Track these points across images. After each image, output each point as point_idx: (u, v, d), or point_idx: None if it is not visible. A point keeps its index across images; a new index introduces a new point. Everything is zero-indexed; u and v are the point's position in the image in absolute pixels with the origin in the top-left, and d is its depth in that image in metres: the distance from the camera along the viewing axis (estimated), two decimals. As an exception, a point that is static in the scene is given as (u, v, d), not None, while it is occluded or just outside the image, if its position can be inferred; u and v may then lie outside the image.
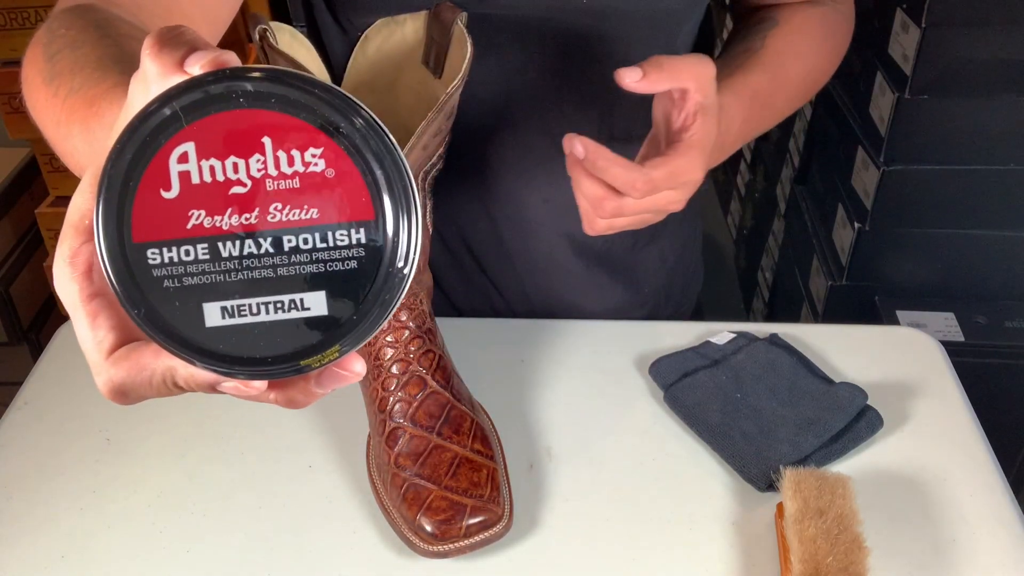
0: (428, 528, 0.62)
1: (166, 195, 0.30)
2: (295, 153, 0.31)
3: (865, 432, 0.72)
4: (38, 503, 0.70)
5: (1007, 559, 0.64)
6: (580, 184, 0.60)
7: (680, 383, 0.76)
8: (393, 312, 0.33)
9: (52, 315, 1.93)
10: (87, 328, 0.33)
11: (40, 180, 1.72)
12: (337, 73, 0.76)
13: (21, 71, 0.54)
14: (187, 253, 0.31)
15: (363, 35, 0.73)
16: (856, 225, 1.31)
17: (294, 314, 0.31)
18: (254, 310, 0.31)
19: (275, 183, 0.31)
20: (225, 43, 0.64)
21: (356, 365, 0.33)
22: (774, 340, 0.81)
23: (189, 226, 0.31)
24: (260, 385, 0.33)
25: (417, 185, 0.32)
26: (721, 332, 0.83)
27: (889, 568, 0.63)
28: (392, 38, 0.73)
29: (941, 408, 0.76)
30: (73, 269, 0.33)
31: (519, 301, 0.87)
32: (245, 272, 0.31)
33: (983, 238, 1.29)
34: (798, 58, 0.75)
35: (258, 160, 0.31)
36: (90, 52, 0.48)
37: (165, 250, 0.31)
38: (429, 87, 0.71)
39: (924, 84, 1.18)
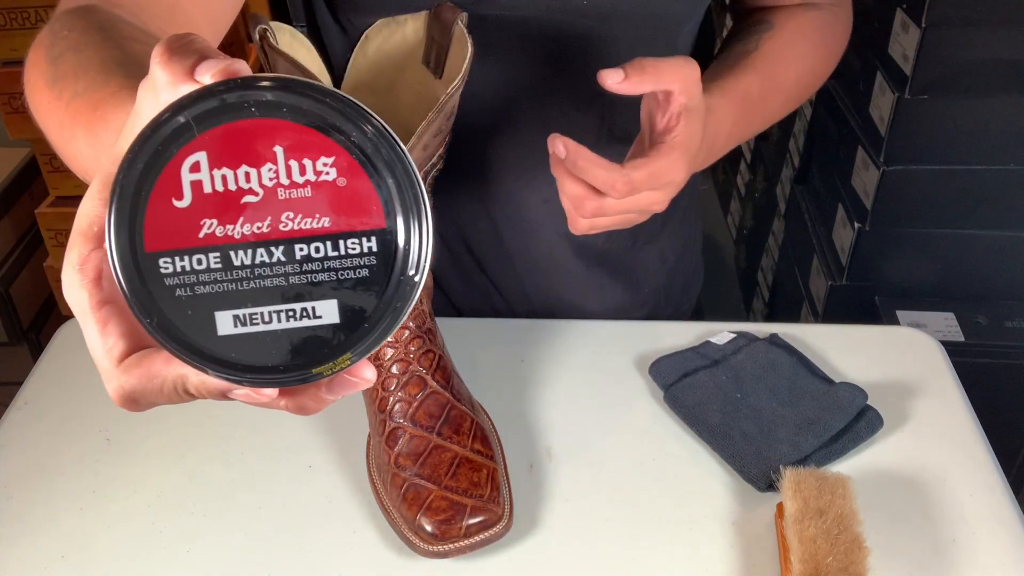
0: (428, 528, 0.62)
1: (178, 204, 0.31)
2: (307, 162, 0.31)
3: (865, 432, 0.72)
4: (38, 503, 0.70)
5: (1007, 559, 0.64)
6: (562, 184, 0.60)
7: (680, 383, 0.76)
8: (404, 319, 0.33)
9: (52, 315, 1.93)
10: (97, 335, 0.33)
11: (40, 180, 1.72)
12: (337, 73, 0.76)
13: (24, 73, 0.54)
14: (199, 262, 0.31)
15: (363, 35, 0.73)
16: (856, 225, 1.31)
17: (306, 322, 0.32)
18: (266, 318, 0.31)
19: (287, 192, 0.31)
20: (225, 43, 0.64)
21: (366, 372, 0.34)
22: (774, 340, 0.81)
23: (201, 235, 0.31)
24: (271, 393, 0.33)
25: (427, 192, 0.32)
26: (721, 332, 0.83)
27: (889, 568, 0.63)
28: (392, 38, 0.73)
29: (941, 408, 0.76)
30: (83, 276, 0.33)
31: (519, 301, 0.87)
32: (257, 281, 0.31)
33: (983, 238, 1.29)
34: (792, 61, 0.75)
35: (270, 169, 0.31)
36: (93, 55, 0.48)
37: (177, 259, 0.31)
38: (429, 87, 0.71)
39: (924, 84, 1.18)
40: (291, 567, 0.65)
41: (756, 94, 0.71)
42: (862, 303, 1.36)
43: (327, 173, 0.31)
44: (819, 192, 1.52)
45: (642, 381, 0.80)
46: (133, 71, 0.45)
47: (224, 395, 0.33)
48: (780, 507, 0.65)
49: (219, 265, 0.31)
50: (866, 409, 0.73)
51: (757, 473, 0.68)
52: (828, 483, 0.62)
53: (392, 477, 0.65)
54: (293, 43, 0.69)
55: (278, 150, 0.31)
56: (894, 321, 1.31)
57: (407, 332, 0.67)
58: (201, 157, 0.30)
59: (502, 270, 0.85)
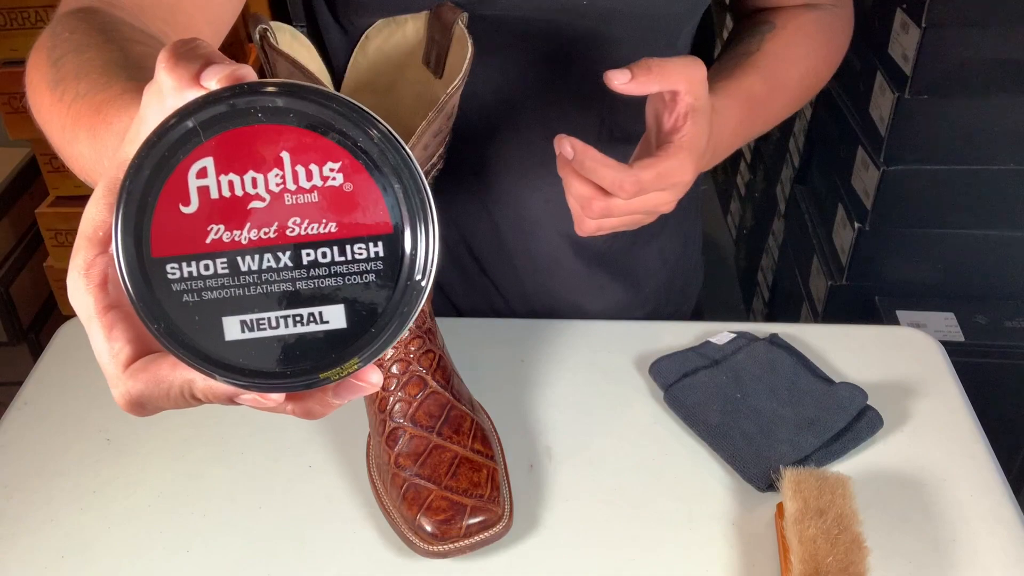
0: (428, 528, 0.62)
1: (185, 210, 0.31)
2: (313, 167, 0.31)
3: (865, 432, 0.72)
4: (38, 503, 0.70)
5: (1007, 559, 0.64)
6: (569, 184, 0.60)
7: (680, 383, 0.76)
8: (411, 324, 0.33)
9: (52, 315, 1.93)
10: (103, 340, 0.33)
11: (40, 180, 1.72)
12: (337, 73, 0.76)
13: (25, 74, 0.54)
14: (206, 268, 0.31)
15: (364, 35, 0.73)
16: (856, 225, 1.31)
17: (313, 327, 0.32)
18: (273, 324, 0.31)
19: (293, 197, 0.31)
20: (225, 43, 0.64)
21: (373, 376, 0.34)
22: (774, 340, 0.81)
23: (208, 241, 0.31)
24: (278, 398, 0.33)
25: (433, 196, 0.32)
26: (721, 332, 0.83)
27: (889, 568, 0.63)
28: (393, 38, 0.73)
29: (941, 408, 0.76)
30: (88, 281, 0.33)
31: (519, 301, 0.87)
32: (264, 286, 0.31)
33: (983, 238, 1.29)
34: (795, 62, 0.75)
35: (276, 175, 0.31)
36: (95, 57, 0.48)
37: (184, 265, 0.31)
38: (430, 87, 0.71)
39: (924, 84, 1.18)
40: (291, 567, 0.65)
41: (760, 94, 0.71)
42: (862, 303, 1.36)
43: (334, 178, 0.31)
44: (819, 192, 1.52)
45: (642, 381, 0.80)
46: (135, 73, 0.45)
47: (231, 400, 0.33)
48: (780, 507, 0.65)
49: (226, 270, 0.31)
50: (866, 409, 0.73)
51: (757, 473, 0.68)
52: (828, 483, 0.62)
53: (392, 477, 0.65)
54: (293, 43, 0.69)
55: (285, 155, 0.31)
56: (894, 321, 1.31)
57: (407, 332, 0.67)
58: (208, 163, 0.30)
59: (502, 270, 0.85)
